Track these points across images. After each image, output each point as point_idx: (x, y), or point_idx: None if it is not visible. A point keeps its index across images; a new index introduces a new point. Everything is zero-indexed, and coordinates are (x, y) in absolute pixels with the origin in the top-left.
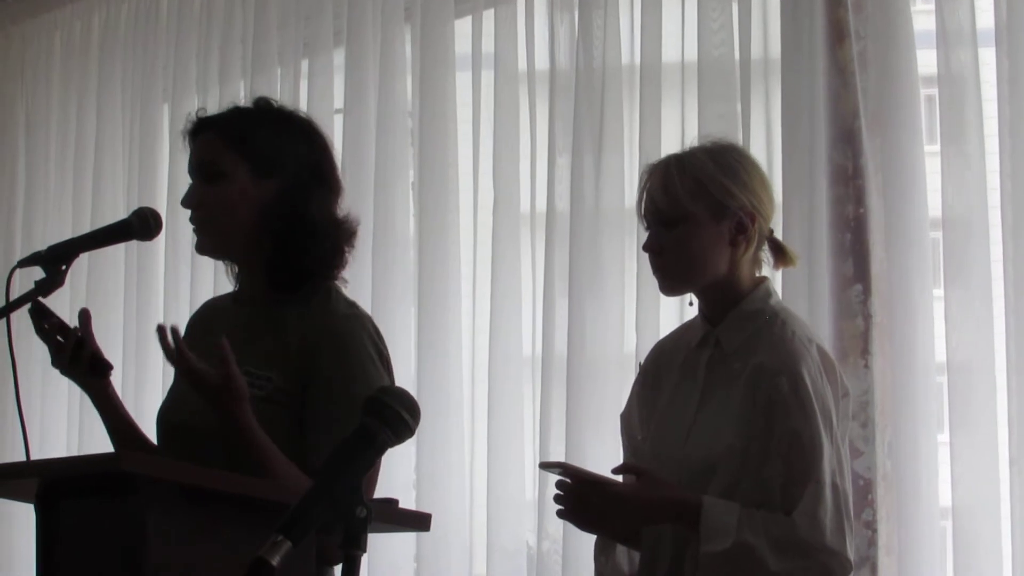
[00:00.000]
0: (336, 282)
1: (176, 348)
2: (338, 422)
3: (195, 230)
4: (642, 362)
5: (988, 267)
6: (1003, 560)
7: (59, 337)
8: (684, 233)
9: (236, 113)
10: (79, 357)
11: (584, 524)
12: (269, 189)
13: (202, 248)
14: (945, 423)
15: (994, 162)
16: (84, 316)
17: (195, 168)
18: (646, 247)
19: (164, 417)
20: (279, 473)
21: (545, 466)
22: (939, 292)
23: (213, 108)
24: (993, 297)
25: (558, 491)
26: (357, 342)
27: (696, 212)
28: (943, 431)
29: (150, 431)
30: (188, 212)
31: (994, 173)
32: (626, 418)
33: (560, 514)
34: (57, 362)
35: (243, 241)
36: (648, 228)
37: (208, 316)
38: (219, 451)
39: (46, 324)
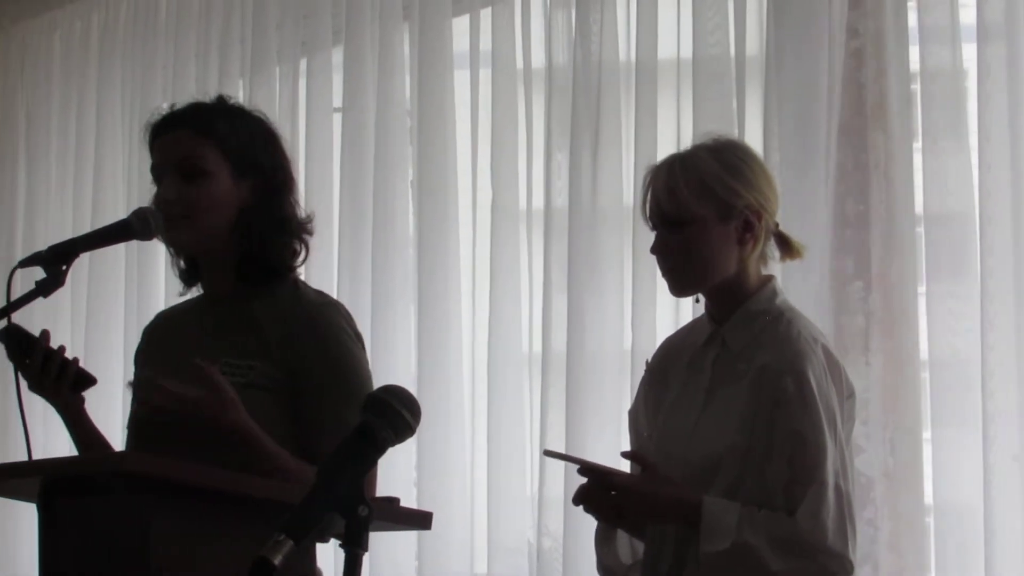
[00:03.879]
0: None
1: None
2: (334, 402)
3: (170, 225)
4: (649, 360)
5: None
6: (1000, 558)
7: (40, 359)
8: (692, 235)
9: (208, 111)
10: (64, 375)
11: (602, 516)
12: (245, 189)
13: (179, 244)
14: (942, 419)
15: (987, 157)
16: (46, 335)
17: (175, 164)
18: (654, 249)
19: (138, 415)
20: (291, 474)
21: (549, 454)
22: (936, 288)
23: None
24: (988, 293)
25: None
26: (334, 325)
27: (703, 213)
28: (941, 427)
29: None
30: None
31: (987, 168)
32: (633, 415)
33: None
34: (38, 384)
35: (221, 239)
36: (654, 229)
37: (166, 325)
38: (196, 442)
39: (29, 350)
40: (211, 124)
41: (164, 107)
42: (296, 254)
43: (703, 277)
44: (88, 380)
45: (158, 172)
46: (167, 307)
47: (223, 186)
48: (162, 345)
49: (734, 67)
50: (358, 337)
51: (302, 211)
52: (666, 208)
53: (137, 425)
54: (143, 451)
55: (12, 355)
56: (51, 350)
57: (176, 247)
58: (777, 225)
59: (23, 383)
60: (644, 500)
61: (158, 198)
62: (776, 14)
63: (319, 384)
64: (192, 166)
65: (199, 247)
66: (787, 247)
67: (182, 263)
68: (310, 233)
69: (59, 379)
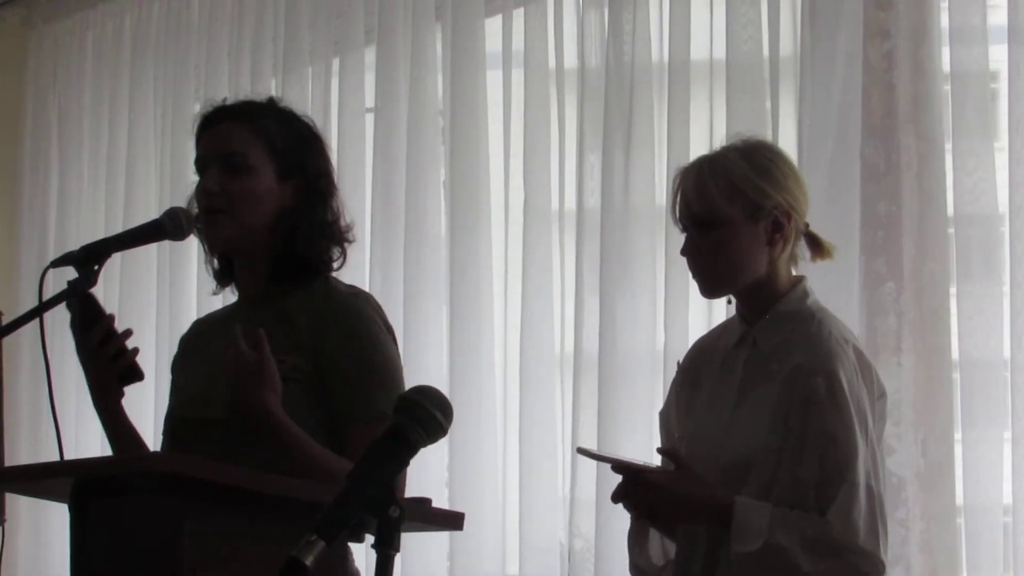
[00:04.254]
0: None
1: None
2: (364, 392)
3: (210, 220)
4: (680, 361)
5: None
6: None
7: (103, 335)
8: (722, 236)
9: (258, 109)
10: (118, 359)
11: (638, 513)
12: (288, 190)
13: (216, 237)
14: (974, 420)
15: (1017, 157)
16: (112, 318)
17: (220, 156)
18: (684, 251)
19: (174, 415)
20: (319, 463)
21: (582, 451)
22: (967, 288)
23: None
24: (1018, 294)
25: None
26: (365, 316)
27: (732, 214)
28: (973, 428)
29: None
30: None
31: (1018, 168)
32: (664, 416)
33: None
34: (90, 359)
35: (258, 238)
36: (684, 231)
37: (203, 331)
38: (231, 441)
39: (94, 323)
40: (260, 121)
41: (220, 99)
42: (333, 259)
43: (733, 278)
44: (136, 375)
45: (202, 163)
46: (203, 315)
47: (265, 184)
48: (199, 352)
49: (767, 68)
50: (388, 328)
51: (344, 218)
52: (696, 209)
53: (173, 425)
54: (178, 451)
55: (76, 323)
56: (114, 331)
57: (212, 242)
58: (807, 225)
59: (55, 382)
60: (676, 499)
61: (199, 189)
62: (810, 15)
63: (349, 374)
64: (237, 160)
65: (236, 243)
66: (817, 247)
67: (216, 262)
68: (350, 240)
69: (113, 361)
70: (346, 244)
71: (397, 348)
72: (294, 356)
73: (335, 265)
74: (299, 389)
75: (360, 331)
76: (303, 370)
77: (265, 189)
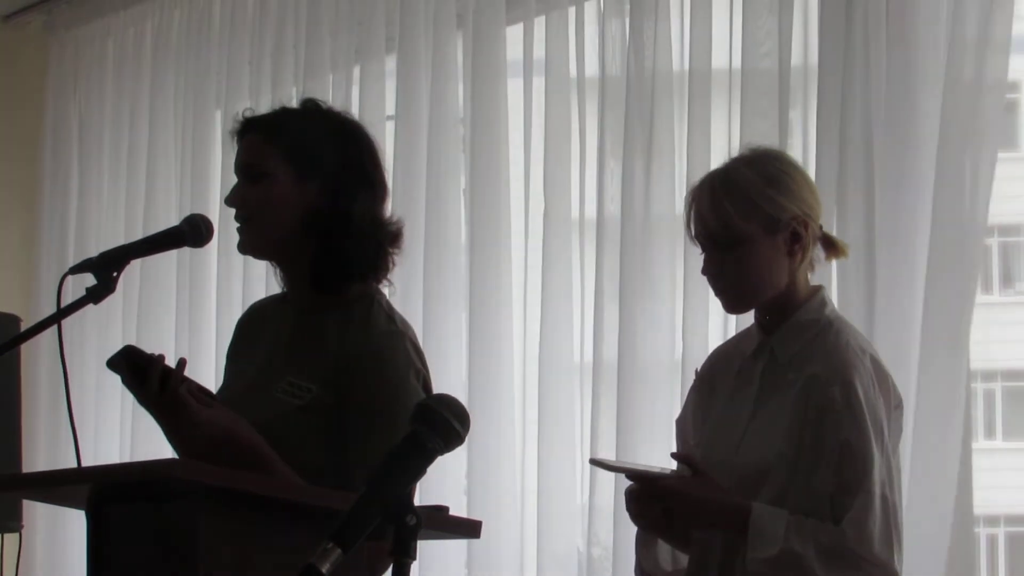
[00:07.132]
0: (380, 288)
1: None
2: (375, 435)
3: (238, 229)
4: (699, 369)
5: None
6: None
7: (158, 380)
8: (742, 253)
9: (281, 115)
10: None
11: (649, 523)
12: (312, 191)
13: (243, 247)
14: (992, 429)
15: None
16: (161, 358)
17: (240, 168)
18: (705, 271)
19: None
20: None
21: (595, 463)
22: (987, 298)
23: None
24: None
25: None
26: (396, 358)
27: (751, 231)
28: (991, 437)
29: None
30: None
31: None
32: (681, 423)
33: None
34: (156, 406)
35: (285, 242)
36: (702, 251)
37: (256, 319)
38: (263, 457)
39: (145, 371)
40: (276, 128)
41: (242, 112)
42: (373, 261)
43: (757, 294)
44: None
45: (236, 176)
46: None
47: (282, 187)
48: (248, 345)
49: (787, 77)
50: (417, 370)
51: (386, 214)
52: (713, 229)
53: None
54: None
55: (127, 380)
56: (168, 368)
57: (241, 250)
58: (821, 228)
59: (73, 389)
60: (693, 503)
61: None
62: (827, 24)
63: (361, 418)
64: (253, 170)
65: (261, 248)
66: (833, 248)
67: (278, 271)
68: (391, 237)
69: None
70: (388, 241)
71: (421, 390)
72: (318, 387)
73: (377, 265)
74: (314, 420)
75: (388, 372)
76: (323, 402)
77: (283, 193)
